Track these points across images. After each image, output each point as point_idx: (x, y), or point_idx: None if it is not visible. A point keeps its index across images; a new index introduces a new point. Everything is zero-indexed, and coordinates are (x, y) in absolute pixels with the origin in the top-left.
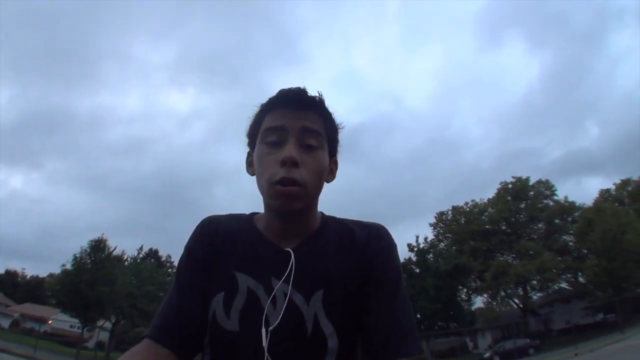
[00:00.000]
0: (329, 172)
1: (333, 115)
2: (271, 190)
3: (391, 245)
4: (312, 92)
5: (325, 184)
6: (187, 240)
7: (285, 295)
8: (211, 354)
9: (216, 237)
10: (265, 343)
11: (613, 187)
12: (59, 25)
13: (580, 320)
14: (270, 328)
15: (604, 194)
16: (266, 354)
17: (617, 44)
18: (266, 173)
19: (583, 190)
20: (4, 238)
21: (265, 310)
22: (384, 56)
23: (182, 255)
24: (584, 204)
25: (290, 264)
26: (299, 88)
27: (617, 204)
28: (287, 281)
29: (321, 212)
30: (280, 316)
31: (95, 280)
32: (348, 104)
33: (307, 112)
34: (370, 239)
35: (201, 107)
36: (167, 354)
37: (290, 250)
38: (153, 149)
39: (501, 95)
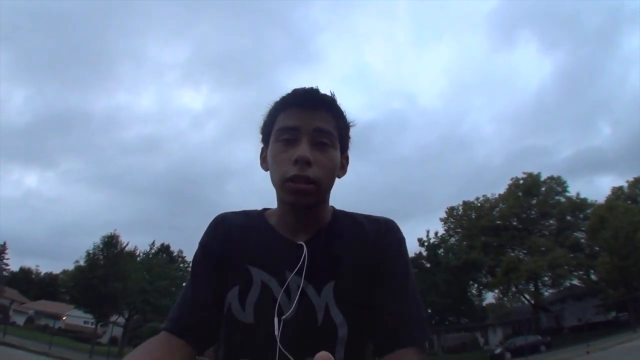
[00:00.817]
0: (340, 168)
1: (345, 113)
2: (284, 186)
3: (400, 239)
4: (324, 91)
5: (336, 179)
6: (201, 237)
7: (298, 287)
8: (226, 345)
9: (229, 233)
10: (277, 332)
11: (626, 185)
12: (73, 27)
13: (592, 317)
14: (284, 317)
15: (617, 192)
16: (278, 343)
17: (630, 44)
18: (280, 170)
19: (595, 188)
20: (19, 236)
21: (279, 301)
22: (396, 54)
23: (196, 251)
24: (596, 201)
25: (303, 256)
26: (311, 88)
27: (629, 202)
28: (299, 274)
29: (332, 207)
30: (293, 307)
31: (108, 276)
32: (361, 102)
33: (320, 112)
34: (380, 233)
35: (214, 105)
36: (182, 345)
37: (303, 244)
38: (166, 147)
39: (513, 93)
